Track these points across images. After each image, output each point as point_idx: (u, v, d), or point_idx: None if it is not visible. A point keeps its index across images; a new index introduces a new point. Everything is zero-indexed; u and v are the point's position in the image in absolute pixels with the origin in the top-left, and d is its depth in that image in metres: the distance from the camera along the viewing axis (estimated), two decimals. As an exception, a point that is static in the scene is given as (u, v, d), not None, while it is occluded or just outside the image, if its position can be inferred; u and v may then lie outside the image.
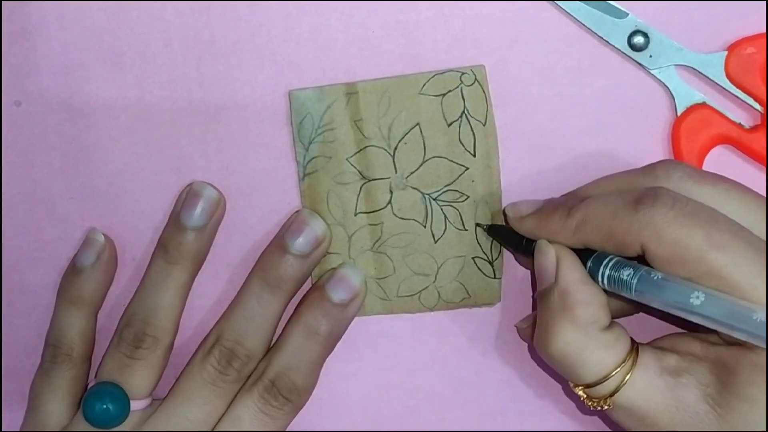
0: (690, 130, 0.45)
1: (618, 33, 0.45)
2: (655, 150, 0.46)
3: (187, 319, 0.46)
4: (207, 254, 0.46)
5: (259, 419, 0.44)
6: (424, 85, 0.45)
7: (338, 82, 0.45)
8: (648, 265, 0.39)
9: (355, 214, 0.46)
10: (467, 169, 0.46)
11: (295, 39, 0.46)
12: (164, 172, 0.46)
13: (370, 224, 0.46)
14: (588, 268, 0.40)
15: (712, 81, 0.45)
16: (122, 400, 0.44)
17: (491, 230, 0.46)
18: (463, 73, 0.45)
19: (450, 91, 0.45)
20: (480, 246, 0.46)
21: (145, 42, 0.46)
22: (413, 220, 0.46)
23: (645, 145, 0.46)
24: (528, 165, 0.46)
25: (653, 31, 0.45)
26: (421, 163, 0.46)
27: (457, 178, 0.46)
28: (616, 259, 0.40)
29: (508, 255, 0.46)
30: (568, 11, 0.45)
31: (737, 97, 0.45)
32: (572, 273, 0.40)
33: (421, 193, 0.46)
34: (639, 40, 0.45)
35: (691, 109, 0.45)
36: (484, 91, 0.45)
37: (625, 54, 0.45)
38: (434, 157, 0.45)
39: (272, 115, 0.46)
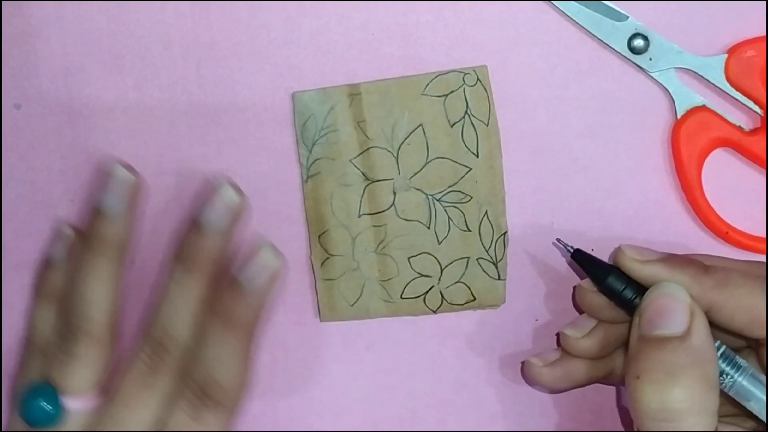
0: (690, 133, 0.45)
1: (618, 36, 0.45)
2: (655, 153, 0.46)
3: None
4: (129, 242, 0.44)
5: (196, 428, 0.41)
6: (426, 86, 0.45)
7: (339, 83, 0.45)
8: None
9: (359, 216, 0.46)
10: (470, 169, 0.46)
11: (295, 41, 0.46)
12: (164, 174, 0.46)
13: (374, 226, 0.46)
14: None
15: (712, 84, 0.45)
16: (54, 397, 0.42)
17: (576, 255, 0.43)
18: (465, 74, 0.45)
19: (453, 91, 0.45)
20: (484, 247, 0.46)
21: (145, 44, 0.46)
22: (417, 221, 0.46)
23: (644, 147, 0.46)
24: (528, 167, 0.46)
25: (653, 34, 0.45)
26: (424, 164, 0.46)
27: (461, 179, 0.46)
28: (725, 348, 0.39)
29: (511, 255, 0.46)
30: (568, 14, 0.45)
31: (737, 100, 0.45)
32: (707, 329, 0.38)
33: (425, 194, 0.46)
34: (639, 43, 0.45)
35: (691, 112, 0.45)
36: (486, 92, 0.45)
37: (625, 57, 0.45)
38: (437, 157, 0.46)
39: (272, 117, 0.46)
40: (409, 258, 0.46)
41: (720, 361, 0.38)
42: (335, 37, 0.46)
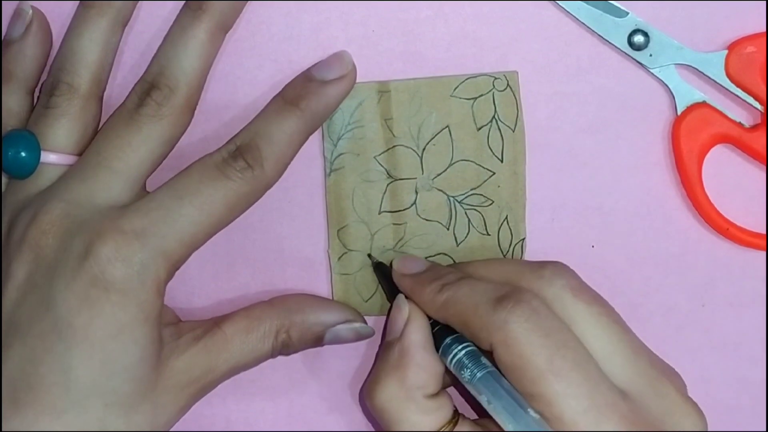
0: (690, 129, 0.45)
1: (618, 32, 0.45)
2: (655, 149, 0.46)
3: (187, 315, 0.46)
4: (131, 9, 0.44)
5: (211, 176, 0.41)
6: (456, 88, 0.45)
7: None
8: None
9: (379, 213, 0.46)
10: (494, 174, 0.46)
11: (295, 38, 0.46)
12: (164, 171, 0.46)
13: (394, 224, 0.46)
14: (444, 342, 0.41)
15: (713, 80, 0.45)
16: (34, 146, 0.41)
17: (377, 267, 0.46)
18: (495, 78, 0.45)
19: (482, 95, 0.45)
20: (501, 251, 0.46)
21: (144, 41, 0.46)
22: (437, 221, 0.46)
23: (645, 143, 0.46)
24: (528, 164, 0.46)
25: (653, 30, 0.45)
26: (448, 166, 0.46)
27: (483, 183, 0.46)
28: (472, 348, 0.40)
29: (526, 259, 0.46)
30: (568, 10, 0.45)
31: (737, 96, 0.45)
32: (417, 335, 0.41)
33: (447, 195, 0.46)
34: (639, 39, 0.45)
35: (691, 108, 0.45)
36: (515, 97, 0.45)
37: (625, 53, 0.45)
38: (462, 160, 0.45)
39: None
40: (426, 258, 0.46)
41: (465, 360, 0.40)
42: (335, 33, 0.46)
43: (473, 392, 0.39)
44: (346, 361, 0.47)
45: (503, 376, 0.39)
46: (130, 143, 0.42)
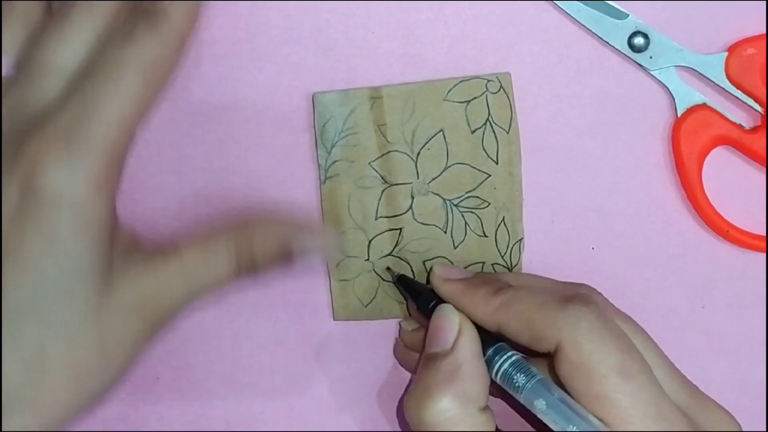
0: (690, 131, 0.45)
1: (618, 34, 0.45)
2: (655, 151, 0.46)
3: (185, 320, 0.46)
4: None
5: (119, 46, 0.37)
6: (449, 92, 0.45)
7: (338, 82, 0.45)
8: (550, 360, 0.39)
9: (376, 219, 0.46)
10: (489, 176, 0.46)
11: (295, 39, 0.46)
12: (164, 173, 0.46)
13: (391, 229, 0.46)
14: (487, 354, 0.40)
15: (713, 82, 0.45)
16: None
17: (400, 279, 0.45)
18: (488, 80, 0.45)
19: (475, 98, 0.45)
20: (499, 253, 0.46)
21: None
22: (434, 225, 0.46)
23: (645, 145, 0.46)
24: (527, 166, 0.46)
25: (653, 32, 0.45)
26: (443, 169, 0.46)
27: (479, 185, 0.46)
28: (518, 357, 0.40)
29: (526, 261, 0.46)
30: (569, 12, 0.45)
31: (737, 98, 0.45)
32: (471, 346, 0.40)
33: (443, 198, 0.46)
34: (639, 41, 0.45)
35: (691, 110, 0.45)
36: (509, 99, 0.45)
37: (625, 55, 0.45)
38: (457, 163, 0.45)
39: (273, 116, 0.46)
40: (424, 262, 0.46)
41: (512, 370, 0.39)
42: (335, 35, 0.46)
43: (525, 401, 0.39)
44: (346, 363, 0.47)
45: (563, 378, 0.38)
46: (61, 38, 0.38)
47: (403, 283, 0.45)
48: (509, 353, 0.40)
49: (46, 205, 0.35)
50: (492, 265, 0.46)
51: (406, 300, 0.46)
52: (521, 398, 0.39)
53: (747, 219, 0.46)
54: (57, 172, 0.35)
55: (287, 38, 0.46)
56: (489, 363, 0.40)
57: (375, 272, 0.46)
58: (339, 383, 0.47)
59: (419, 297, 0.44)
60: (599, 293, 0.41)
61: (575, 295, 0.39)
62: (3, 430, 0.35)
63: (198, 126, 0.46)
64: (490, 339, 0.41)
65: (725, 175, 0.46)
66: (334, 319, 0.47)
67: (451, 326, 0.41)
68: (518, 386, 0.39)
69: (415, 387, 0.41)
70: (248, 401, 0.47)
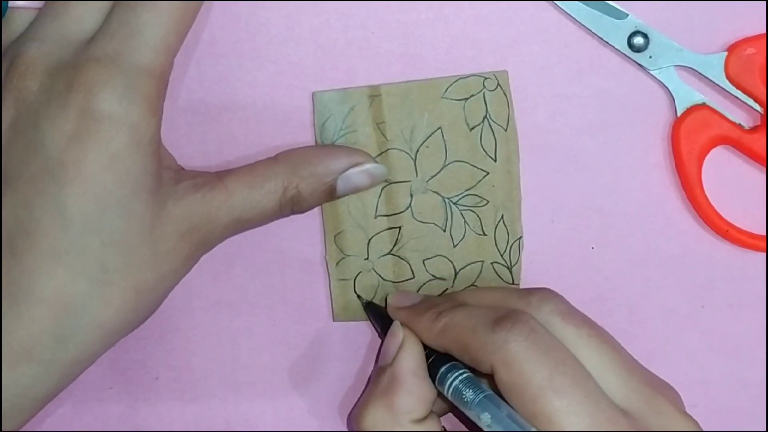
0: (690, 131, 0.45)
1: (618, 34, 0.45)
2: (655, 150, 0.46)
3: (185, 320, 0.46)
4: None
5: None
6: (447, 89, 0.45)
7: (338, 81, 0.45)
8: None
9: (375, 217, 0.46)
10: (488, 174, 0.46)
11: (295, 39, 0.46)
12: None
13: (390, 227, 0.46)
14: (440, 371, 0.41)
15: (712, 82, 0.45)
16: None
17: (367, 306, 0.46)
18: (486, 78, 0.45)
19: (473, 95, 0.45)
20: (499, 251, 0.46)
21: None
22: (433, 224, 0.46)
23: (645, 145, 0.46)
24: (527, 165, 0.46)
25: (653, 32, 0.45)
26: (442, 167, 0.46)
27: (478, 183, 0.46)
28: (468, 374, 0.40)
29: (526, 260, 0.46)
30: (568, 12, 0.45)
31: (737, 97, 0.45)
32: (408, 361, 0.41)
33: (442, 197, 0.46)
34: (639, 40, 0.45)
35: (690, 110, 0.45)
36: (506, 96, 0.45)
37: (624, 55, 0.45)
38: (455, 161, 0.45)
39: (273, 116, 0.46)
40: (424, 260, 0.46)
41: (461, 386, 0.40)
42: (335, 35, 0.46)
43: (473, 416, 0.39)
44: (346, 363, 0.47)
45: (503, 398, 0.38)
46: None
47: (370, 309, 0.46)
48: (461, 371, 0.40)
49: (105, 128, 0.37)
50: (492, 263, 0.46)
51: (374, 326, 0.46)
52: (470, 413, 0.39)
53: (747, 219, 0.46)
54: (113, 96, 0.38)
55: (287, 38, 0.46)
56: (442, 380, 0.41)
57: (375, 271, 0.46)
58: (339, 383, 0.47)
59: (383, 322, 0.45)
60: (554, 298, 0.41)
61: (504, 316, 0.39)
62: (72, 346, 0.38)
63: (199, 126, 0.46)
64: (445, 358, 0.41)
65: (725, 175, 0.46)
66: (334, 320, 0.47)
67: (395, 341, 0.42)
68: (467, 401, 0.39)
69: (359, 399, 0.42)
70: (248, 401, 0.47)
